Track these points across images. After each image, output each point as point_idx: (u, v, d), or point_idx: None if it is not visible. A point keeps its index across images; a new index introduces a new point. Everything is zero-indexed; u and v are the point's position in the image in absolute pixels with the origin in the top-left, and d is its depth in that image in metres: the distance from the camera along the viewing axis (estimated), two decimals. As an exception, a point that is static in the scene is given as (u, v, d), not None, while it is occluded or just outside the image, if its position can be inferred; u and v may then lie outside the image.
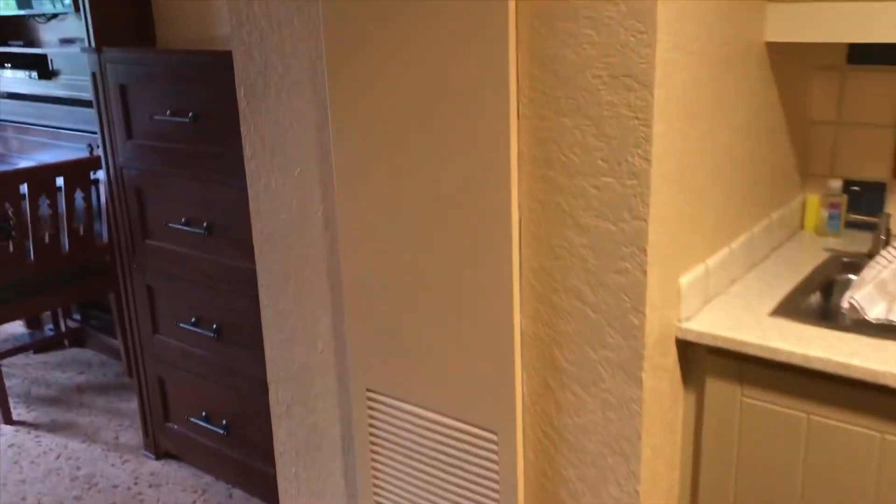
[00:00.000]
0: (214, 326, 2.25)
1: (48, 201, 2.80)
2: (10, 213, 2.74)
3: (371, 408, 1.55)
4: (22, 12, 3.20)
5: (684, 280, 1.28)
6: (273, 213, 1.66)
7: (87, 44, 2.97)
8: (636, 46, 1.10)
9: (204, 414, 2.41)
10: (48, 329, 3.55)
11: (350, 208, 1.49)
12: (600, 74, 1.14)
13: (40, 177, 2.74)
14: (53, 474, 2.55)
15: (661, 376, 1.27)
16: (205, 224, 2.17)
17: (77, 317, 3.46)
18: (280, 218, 1.65)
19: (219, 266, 2.19)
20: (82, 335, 3.44)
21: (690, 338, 1.29)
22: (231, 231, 2.11)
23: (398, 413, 1.52)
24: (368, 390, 1.55)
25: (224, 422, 2.36)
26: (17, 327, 3.57)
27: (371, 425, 1.57)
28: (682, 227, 1.26)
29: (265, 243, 1.70)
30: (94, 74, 2.29)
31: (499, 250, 1.28)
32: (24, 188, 2.71)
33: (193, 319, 2.30)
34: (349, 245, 1.51)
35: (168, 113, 2.13)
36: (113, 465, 2.59)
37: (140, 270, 2.41)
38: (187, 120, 2.09)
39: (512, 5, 1.18)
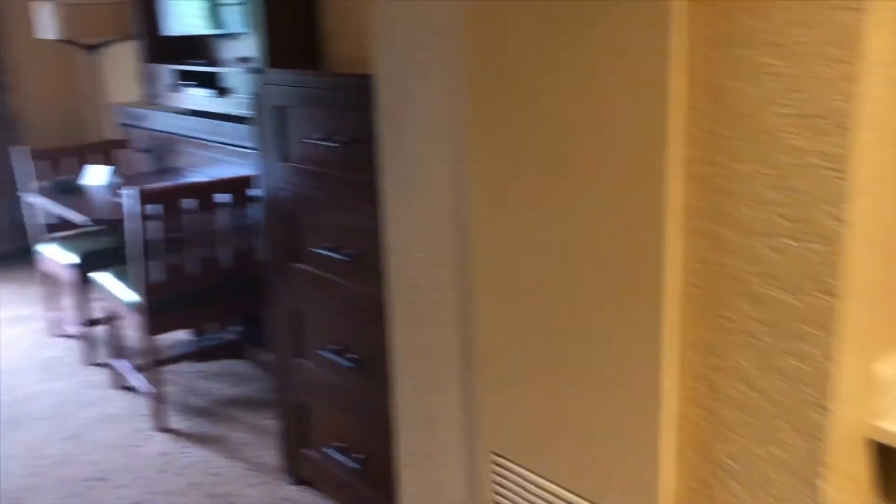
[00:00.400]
0: (355, 357, 2.18)
1: (213, 217, 2.87)
2: (176, 226, 2.82)
3: (496, 473, 1.40)
4: (214, 32, 3.33)
5: (882, 368, 1.03)
6: (406, 250, 1.55)
7: (259, 63, 3.04)
8: (834, 80, 0.88)
9: (340, 445, 2.34)
10: (209, 339, 3.67)
11: (485, 253, 1.35)
12: (786, 113, 0.93)
13: (206, 192, 2.81)
14: (193, 489, 2.58)
15: (846, 487, 1.03)
16: (349, 252, 2.10)
17: (237, 329, 3.55)
18: (413, 256, 1.54)
19: (361, 296, 2.11)
20: (240, 348, 3.52)
21: (888, 441, 1.03)
22: (374, 261, 2.03)
23: (526, 484, 1.35)
24: (494, 453, 1.39)
25: (358, 456, 2.28)
26: (183, 334, 3.71)
27: (496, 492, 1.41)
28: (882, 304, 1.01)
29: (397, 281, 1.59)
30: (255, 96, 2.30)
31: (649, 316, 1.08)
32: (190, 203, 2.78)
33: (335, 348, 2.25)
34: (483, 293, 1.36)
35: (320, 137, 2.08)
36: (250, 486, 2.59)
37: (288, 292, 2.39)
38: (338, 145, 2.03)
39: (675, 24, 0.99)
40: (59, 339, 3.83)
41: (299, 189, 2.24)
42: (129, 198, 2.69)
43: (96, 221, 3.01)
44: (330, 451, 2.37)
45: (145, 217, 2.70)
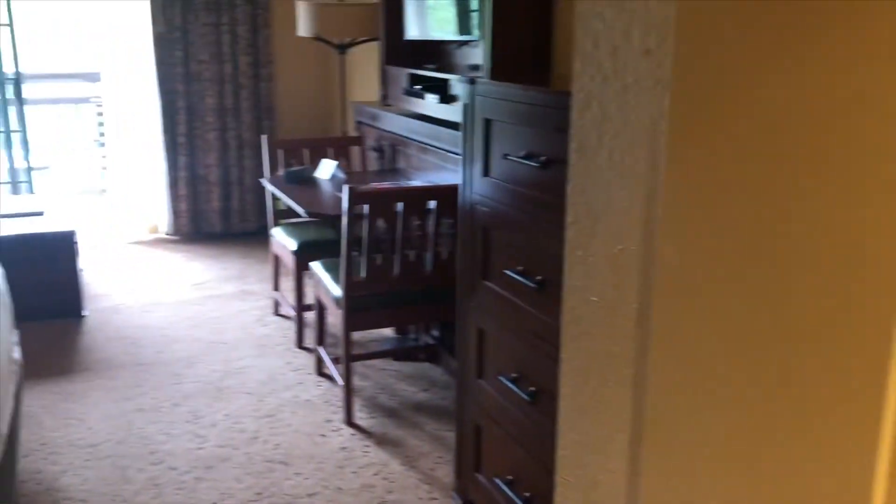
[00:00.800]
0: (531, 389, 2.05)
1: (418, 222, 2.86)
2: (383, 228, 2.85)
3: (653, 565, 1.20)
4: (453, 38, 3.33)
5: None
6: (585, 292, 1.39)
7: (484, 72, 2.99)
8: None
9: (510, 478, 2.22)
10: (410, 339, 3.70)
11: (670, 307, 1.16)
12: None
13: (415, 198, 2.81)
14: (366, 490, 2.58)
15: None
16: (538, 278, 1.97)
17: (436, 333, 3.54)
18: (590, 300, 1.37)
19: (544, 326, 1.97)
20: (436, 352, 3.51)
21: None
22: (560, 292, 1.88)
23: (684, 587, 1.14)
24: (652, 543, 1.20)
25: (527, 494, 2.14)
26: (388, 331, 3.77)
27: (650, 587, 1.21)
28: None
29: (572, 324, 1.44)
30: (465, 106, 2.23)
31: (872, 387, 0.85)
32: (399, 206, 2.79)
33: (513, 375, 2.13)
34: (662, 352, 1.18)
35: (521, 154, 1.97)
36: (420, 499, 2.54)
37: (475, 309, 2.31)
38: (537, 165, 1.91)
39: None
40: (278, 318, 4.06)
41: (496, 206, 2.14)
42: (343, 194, 2.75)
43: (310, 214, 3.13)
44: (499, 482, 2.26)
45: (354, 215, 2.75)
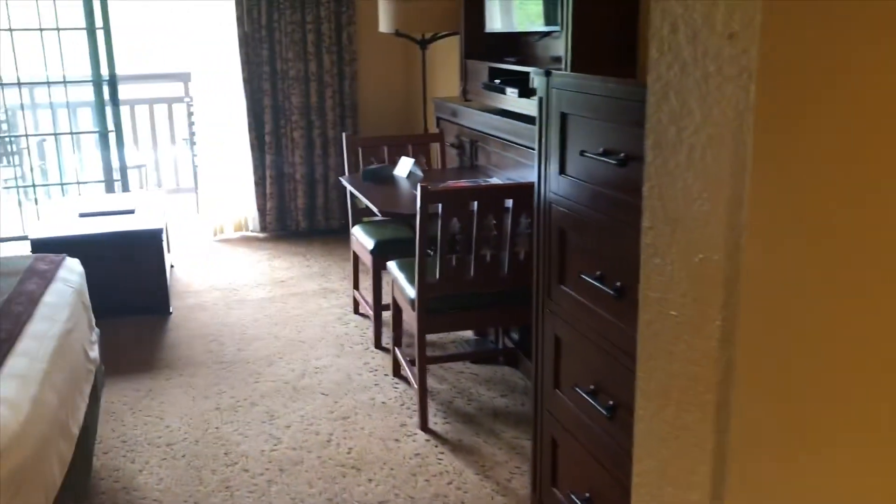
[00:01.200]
0: (610, 404, 1.91)
1: (494, 221, 2.75)
2: (458, 228, 2.75)
3: None
4: (546, 29, 3.20)
5: None
6: (663, 305, 1.25)
7: (565, 64, 2.85)
8: None
9: (587, 495, 2.09)
10: (489, 341, 3.59)
11: (759, 331, 1.02)
12: None
13: (490, 196, 2.70)
14: (439, 500, 2.49)
15: None
16: (617, 285, 1.83)
17: (515, 336, 3.42)
18: (669, 314, 1.23)
19: (623, 336, 1.83)
20: (515, 356, 3.39)
21: None
22: (632, 298, 1.74)
23: None
24: None
25: (604, 512, 2.01)
26: (466, 332, 3.67)
27: None
28: None
29: (649, 340, 1.30)
30: (540, 99, 2.11)
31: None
32: (474, 205, 2.69)
33: (591, 387, 1.99)
34: (751, 385, 1.04)
35: (599, 151, 1.83)
36: (493, 512, 2.44)
37: (552, 315, 2.18)
38: (616, 162, 1.77)
39: None
40: (357, 316, 4.02)
41: (573, 206, 2.01)
42: (416, 195, 2.67)
43: (385, 213, 3.06)
44: (576, 499, 2.13)
45: (427, 215, 2.66)
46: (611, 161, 1.78)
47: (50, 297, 2.31)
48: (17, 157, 6.28)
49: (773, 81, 0.97)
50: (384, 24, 4.29)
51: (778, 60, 0.96)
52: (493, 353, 3.47)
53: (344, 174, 4.00)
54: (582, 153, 1.91)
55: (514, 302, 2.87)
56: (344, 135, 3.98)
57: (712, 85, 1.10)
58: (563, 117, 2.01)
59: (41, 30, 5.22)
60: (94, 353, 2.53)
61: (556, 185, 2.09)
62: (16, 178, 6.22)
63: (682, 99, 1.17)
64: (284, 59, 5.20)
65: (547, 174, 2.12)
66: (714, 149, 1.10)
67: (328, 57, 5.24)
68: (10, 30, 5.17)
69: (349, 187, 3.62)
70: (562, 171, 2.04)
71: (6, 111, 6.16)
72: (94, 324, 2.68)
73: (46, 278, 2.43)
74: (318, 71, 5.26)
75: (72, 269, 2.62)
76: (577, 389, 2.04)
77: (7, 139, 6.51)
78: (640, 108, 1.68)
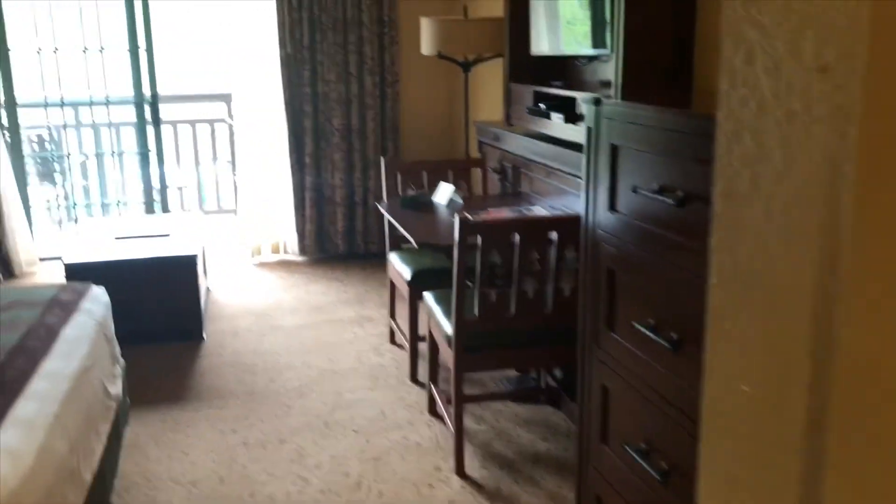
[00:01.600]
0: (663, 466, 1.73)
1: (539, 255, 2.59)
2: (498, 261, 2.59)
3: None
4: (593, 52, 3.04)
5: None
6: (732, 378, 1.08)
7: (615, 89, 2.68)
8: None
9: (634, 561, 1.91)
10: (531, 378, 3.42)
11: (857, 423, 0.84)
12: None
13: (533, 228, 2.54)
14: (473, 556, 2.32)
15: None
16: (672, 336, 1.66)
17: (558, 374, 3.24)
18: (741, 390, 1.06)
19: (680, 393, 1.66)
20: (558, 396, 3.21)
21: None
22: (699, 355, 1.56)
23: None
24: None
25: (654, 584, 1.82)
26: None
27: None
28: None
29: (714, 418, 1.13)
30: (589, 129, 1.95)
31: None
32: (515, 238, 2.53)
33: (642, 446, 1.81)
34: (846, 488, 0.86)
35: (654, 188, 1.67)
36: (532, 571, 2.26)
37: (599, 363, 2.01)
38: (673, 202, 1.60)
39: None
40: (393, 347, 3.88)
41: (623, 245, 1.84)
42: (454, 225, 2.52)
43: (420, 244, 2.92)
44: (622, 565, 1.95)
45: (465, 248, 2.51)
46: (667, 200, 1.62)
47: (70, 331, 2.21)
48: (60, 177, 6.31)
49: (878, 123, 0.80)
50: (427, 47, 4.17)
51: (885, 98, 0.79)
52: (534, 392, 3.29)
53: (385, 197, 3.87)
54: (635, 189, 1.75)
55: (558, 341, 2.70)
56: (382, 158, 3.85)
57: (797, 126, 0.93)
58: (614, 149, 1.85)
59: (85, 50, 5.23)
60: (116, 388, 2.42)
61: (604, 222, 1.92)
62: (57, 198, 6.24)
63: (760, 141, 1.00)
64: (326, 81, 5.12)
65: (595, 210, 1.96)
66: (800, 204, 0.93)
67: (370, 78, 5.15)
68: (56, 50, 5.19)
69: (386, 214, 3.49)
70: (611, 207, 1.88)
71: (50, 130, 6.19)
72: (118, 356, 2.57)
73: (69, 310, 2.33)
74: (359, 92, 5.17)
75: (96, 300, 2.53)
76: (627, 448, 1.86)
77: (51, 158, 6.55)
78: (701, 143, 1.52)
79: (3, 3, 4.92)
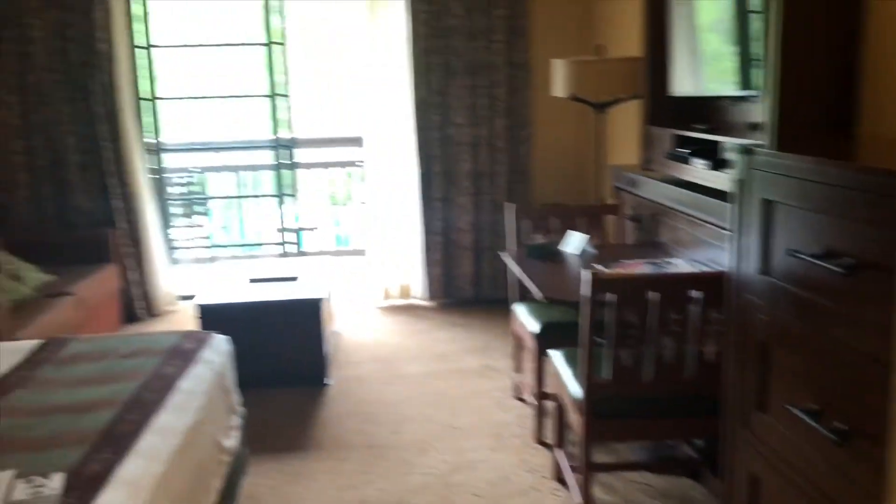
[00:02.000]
0: (826, 577, 1.46)
1: (679, 316, 2.35)
2: (634, 320, 2.38)
3: None
4: (740, 93, 2.81)
5: None
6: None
7: (769, 135, 2.43)
8: None
9: None
10: (668, 446, 3.13)
11: None
12: None
13: (672, 286, 2.31)
14: None
15: None
16: (838, 426, 1.40)
17: (699, 443, 2.95)
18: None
19: (846, 494, 1.39)
20: (699, 469, 2.91)
21: None
22: (872, 449, 1.30)
23: None
24: None
25: None
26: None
27: None
28: None
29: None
30: (738, 182, 1.73)
31: None
32: (652, 295, 2.31)
33: (799, 550, 1.55)
34: None
35: (817, 252, 1.43)
36: None
37: (747, 447, 1.76)
38: (842, 269, 1.36)
39: None
40: (518, 403, 3.69)
41: (778, 314, 1.60)
42: (583, 280, 2.34)
43: (548, 299, 2.73)
44: None
45: (596, 305, 2.31)
46: (833, 267, 1.38)
47: (186, 383, 2.18)
48: (201, 217, 6.56)
49: None
50: (560, 89, 4.03)
51: None
52: (671, 463, 3.01)
53: (514, 243, 3.72)
54: (793, 253, 1.51)
55: (699, 411, 2.44)
56: (505, 204, 3.71)
57: None
58: (767, 205, 1.62)
59: (229, 97, 5.44)
60: (231, 441, 2.37)
61: (754, 286, 1.69)
62: (198, 238, 6.48)
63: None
64: (456, 125, 5.07)
65: (743, 273, 1.73)
66: None
67: (499, 121, 5.05)
68: (202, 97, 5.42)
69: (510, 264, 3.33)
70: (764, 271, 1.64)
71: (192, 174, 6.47)
72: (235, 407, 2.54)
73: (188, 360, 2.31)
74: (489, 136, 5.08)
75: (217, 349, 2.50)
76: (781, 550, 1.60)
77: (192, 200, 6.84)
78: (876, 202, 1.28)
79: (154, 53, 5.19)
